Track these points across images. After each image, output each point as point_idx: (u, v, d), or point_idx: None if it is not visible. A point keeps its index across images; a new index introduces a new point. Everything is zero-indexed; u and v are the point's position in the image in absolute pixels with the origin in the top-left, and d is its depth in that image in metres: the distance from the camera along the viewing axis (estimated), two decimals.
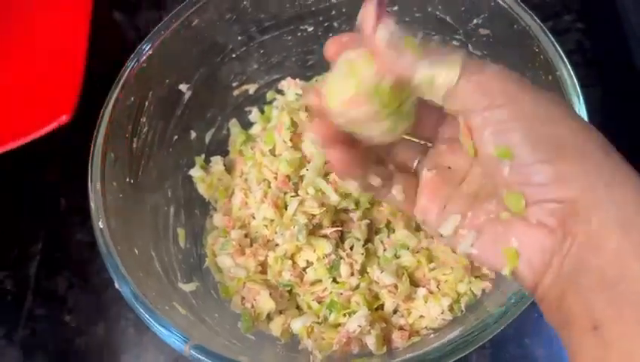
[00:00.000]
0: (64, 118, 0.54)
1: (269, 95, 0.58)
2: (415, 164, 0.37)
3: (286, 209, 0.47)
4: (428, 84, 0.29)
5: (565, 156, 0.27)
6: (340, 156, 0.33)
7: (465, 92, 0.28)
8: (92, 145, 0.44)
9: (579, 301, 0.26)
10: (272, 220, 0.47)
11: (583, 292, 0.26)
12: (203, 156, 0.55)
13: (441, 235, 0.33)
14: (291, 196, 0.48)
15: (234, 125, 0.55)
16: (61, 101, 0.55)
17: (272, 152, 0.51)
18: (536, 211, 0.28)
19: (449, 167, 0.34)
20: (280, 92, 0.58)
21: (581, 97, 0.40)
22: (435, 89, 0.29)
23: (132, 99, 0.47)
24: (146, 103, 0.49)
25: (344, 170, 0.34)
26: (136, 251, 0.43)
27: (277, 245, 0.47)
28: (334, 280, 0.46)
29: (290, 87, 0.57)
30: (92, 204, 0.42)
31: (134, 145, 0.48)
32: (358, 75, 0.29)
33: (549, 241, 0.28)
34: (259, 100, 0.57)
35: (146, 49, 0.48)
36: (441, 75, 0.28)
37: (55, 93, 0.57)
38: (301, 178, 0.49)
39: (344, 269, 0.45)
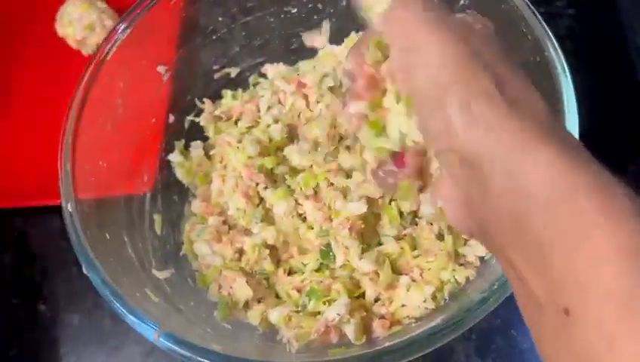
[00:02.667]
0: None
1: (253, 79, 0.56)
2: None
3: (259, 199, 0.46)
4: (367, 14, 0.30)
5: (452, 101, 0.26)
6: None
7: (390, 27, 0.29)
8: (62, 126, 0.42)
9: (495, 248, 0.27)
10: (244, 210, 0.46)
11: (493, 241, 0.26)
12: (183, 141, 0.53)
13: None
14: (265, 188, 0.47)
15: (209, 106, 0.54)
16: None
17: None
18: (443, 162, 0.28)
19: None
20: (263, 76, 0.56)
21: (569, 77, 0.39)
22: (375, 20, 0.30)
23: (106, 79, 0.45)
24: (121, 84, 0.47)
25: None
26: (108, 236, 0.42)
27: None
28: (325, 266, 0.45)
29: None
30: (61, 187, 0.41)
31: (108, 128, 0.46)
32: None
33: (459, 193, 0.28)
34: (241, 84, 0.56)
35: (122, 28, 0.46)
36: (377, 4, 0.29)
37: None
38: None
39: (339, 255, 0.44)
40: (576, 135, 0.38)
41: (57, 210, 0.58)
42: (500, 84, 0.26)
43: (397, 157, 0.31)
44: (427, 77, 0.27)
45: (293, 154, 0.48)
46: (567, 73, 0.40)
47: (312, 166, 0.47)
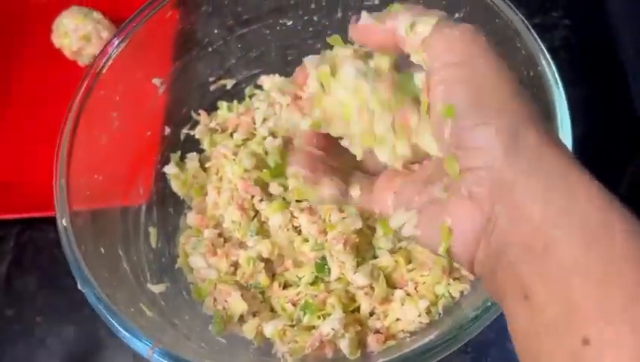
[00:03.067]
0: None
1: (248, 90, 0.56)
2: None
3: (254, 212, 0.46)
4: (407, 32, 0.31)
5: (502, 123, 0.27)
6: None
7: (434, 45, 0.30)
8: (57, 140, 0.42)
9: (509, 273, 0.26)
10: (239, 223, 0.46)
11: (511, 264, 0.26)
12: (179, 153, 0.53)
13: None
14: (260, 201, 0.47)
15: (204, 118, 0.53)
16: None
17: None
18: (467, 179, 0.28)
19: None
20: (259, 87, 0.56)
21: (562, 92, 0.39)
22: (413, 37, 0.30)
23: (102, 92, 0.46)
24: (117, 97, 0.47)
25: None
26: (103, 250, 0.42)
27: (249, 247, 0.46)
28: (320, 280, 0.45)
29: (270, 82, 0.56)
30: (56, 202, 0.41)
31: (104, 141, 0.46)
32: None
33: (478, 216, 0.27)
34: (237, 96, 0.56)
35: (118, 41, 0.46)
36: (419, 24, 0.30)
37: None
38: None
39: (334, 268, 0.44)
40: (570, 146, 0.38)
41: (53, 220, 0.58)
42: (540, 118, 0.28)
43: None
44: (479, 91, 0.28)
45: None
46: (561, 87, 0.40)
47: None
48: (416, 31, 0.30)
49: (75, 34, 0.63)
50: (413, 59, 0.32)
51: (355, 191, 0.37)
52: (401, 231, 0.32)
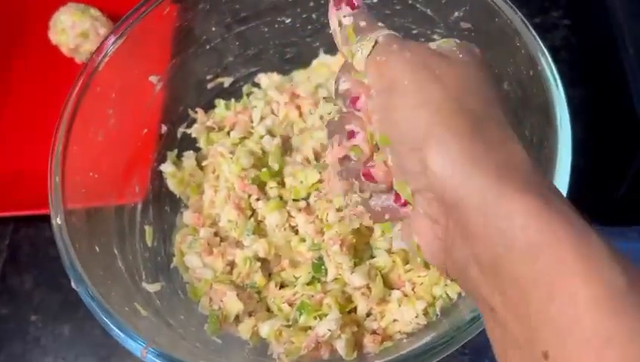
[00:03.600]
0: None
1: (246, 89, 0.56)
2: None
3: (251, 211, 0.46)
4: (351, 60, 0.31)
5: (433, 142, 0.27)
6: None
7: (369, 71, 0.30)
8: (53, 136, 0.42)
9: (472, 286, 0.27)
10: (236, 222, 0.46)
11: (472, 280, 0.26)
12: (175, 151, 0.53)
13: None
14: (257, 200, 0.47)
15: (201, 116, 0.53)
16: None
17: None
18: (418, 201, 0.28)
19: None
20: (257, 86, 0.56)
21: (562, 92, 0.39)
22: (357, 64, 0.30)
23: (98, 89, 0.45)
24: (113, 94, 0.47)
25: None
26: (98, 249, 0.41)
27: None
28: (317, 280, 0.44)
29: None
30: (51, 199, 0.40)
31: (99, 138, 0.45)
32: None
33: (437, 231, 0.28)
34: (234, 94, 0.55)
35: (114, 38, 0.46)
36: (357, 52, 0.30)
37: None
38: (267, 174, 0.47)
39: (331, 268, 0.43)
40: (569, 147, 0.38)
41: (49, 218, 0.58)
42: (479, 128, 0.27)
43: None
44: (404, 117, 0.28)
45: (287, 167, 0.48)
46: (560, 87, 0.39)
47: (301, 182, 0.47)
48: (355, 60, 0.30)
49: (73, 31, 0.62)
50: None
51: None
52: (394, 244, 0.34)
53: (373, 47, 0.30)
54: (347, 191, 0.33)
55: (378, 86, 0.29)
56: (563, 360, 0.22)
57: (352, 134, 0.31)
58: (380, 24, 0.31)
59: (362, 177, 0.31)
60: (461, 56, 0.30)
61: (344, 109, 0.32)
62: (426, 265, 0.42)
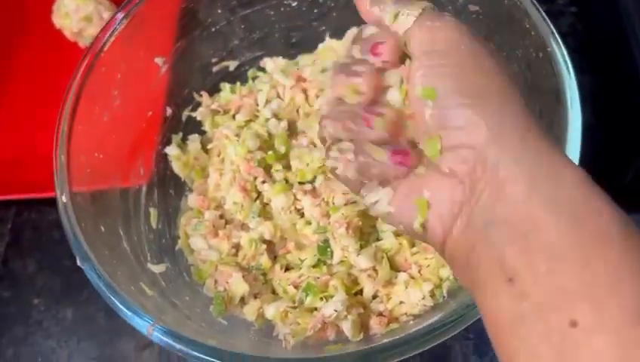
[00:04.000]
0: None
1: (251, 73, 0.55)
2: None
3: (257, 194, 0.46)
4: (391, 22, 0.31)
5: (485, 104, 0.27)
6: None
7: (416, 35, 0.30)
8: (58, 116, 0.42)
9: (490, 253, 0.26)
10: (242, 205, 0.45)
11: (493, 244, 0.25)
12: (180, 134, 0.52)
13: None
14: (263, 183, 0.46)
15: (206, 99, 0.53)
16: None
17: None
18: (449, 157, 0.28)
19: None
20: (262, 70, 0.56)
21: (572, 73, 0.38)
22: (398, 26, 0.31)
23: (103, 69, 0.45)
24: (119, 76, 0.46)
25: None
26: (103, 229, 0.41)
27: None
28: (322, 262, 0.44)
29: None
30: (56, 178, 0.40)
31: (104, 119, 0.45)
32: None
33: (458, 191, 0.27)
34: (239, 78, 0.55)
35: (120, 18, 0.46)
36: (402, 15, 0.30)
37: None
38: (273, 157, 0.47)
39: (337, 251, 0.43)
40: (579, 130, 0.38)
41: (52, 202, 0.58)
42: (526, 105, 0.28)
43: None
44: (459, 74, 0.28)
45: (293, 150, 0.48)
46: (571, 69, 0.39)
47: (307, 164, 0.46)
48: (398, 22, 0.31)
49: (76, 15, 0.62)
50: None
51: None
52: (373, 209, 0.31)
53: (421, 12, 0.30)
54: (334, 137, 0.32)
55: (428, 47, 0.29)
56: (591, 326, 0.22)
57: (355, 74, 0.31)
58: None
59: (362, 120, 0.31)
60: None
61: (358, 56, 0.32)
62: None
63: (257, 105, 0.52)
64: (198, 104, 0.53)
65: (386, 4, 0.31)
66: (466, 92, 0.28)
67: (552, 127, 0.39)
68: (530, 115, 0.28)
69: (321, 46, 0.54)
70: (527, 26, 0.41)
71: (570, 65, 0.39)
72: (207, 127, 0.52)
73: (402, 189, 0.30)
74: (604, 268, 0.23)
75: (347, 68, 0.32)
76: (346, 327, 0.39)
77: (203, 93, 0.53)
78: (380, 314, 0.41)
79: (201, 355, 0.34)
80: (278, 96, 0.52)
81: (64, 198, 0.39)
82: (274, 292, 0.45)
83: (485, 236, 0.26)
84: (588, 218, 0.24)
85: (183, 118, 0.53)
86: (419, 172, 0.30)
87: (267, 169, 0.47)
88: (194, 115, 0.53)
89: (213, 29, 0.52)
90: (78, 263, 0.38)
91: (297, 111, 0.52)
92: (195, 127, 0.53)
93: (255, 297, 0.44)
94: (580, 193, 0.25)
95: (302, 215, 0.46)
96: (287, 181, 0.47)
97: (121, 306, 0.36)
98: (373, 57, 0.32)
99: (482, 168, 0.26)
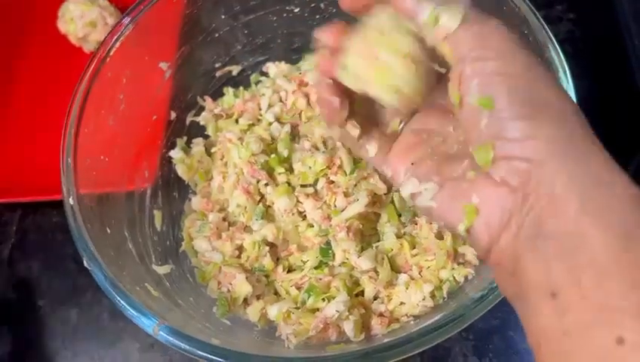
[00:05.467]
0: None
1: (254, 77, 0.56)
2: (401, 126, 0.37)
3: (260, 196, 0.47)
4: (431, 25, 0.29)
5: (544, 118, 0.27)
6: (333, 105, 0.35)
7: (463, 40, 0.29)
8: (65, 120, 0.43)
9: (537, 266, 0.26)
10: (245, 207, 0.46)
11: (541, 257, 0.25)
12: (185, 138, 0.53)
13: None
14: (266, 185, 0.47)
15: (209, 104, 0.54)
16: None
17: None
18: (502, 167, 0.28)
19: (432, 130, 0.35)
20: (265, 74, 0.56)
21: (570, 79, 0.39)
22: (437, 30, 0.29)
23: (109, 74, 0.46)
24: (124, 80, 0.47)
25: (334, 116, 0.36)
26: (109, 230, 0.42)
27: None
28: (324, 264, 0.45)
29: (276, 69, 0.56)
30: (63, 180, 0.41)
31: (110, 123, 0.46)
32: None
33: (509, 201, 0.27)
34: (242, 82, 0.56)
35: (126, 23, 0.46)
36: (443, 18, 0.29)
37: None
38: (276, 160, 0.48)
39: (338, 253, 0.44)
40: None
41: (56, 205, 0.58)
42: (581, 115, 0.28)
43: None
44: (518, 85, 0.28)
45: (295, 153, 0.49)
46: (569, 75, 0.40)
47: (310, 167, 0.47)
48: (441, 24, 0.29)
49: (81, 20, 0.63)
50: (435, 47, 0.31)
51: (371, 147, 0.36)
52: (415, 200, 0.31)
53: (464, 16, 0.29)
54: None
55: (478, 53, 0.28)
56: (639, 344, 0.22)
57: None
58: None
59: None
60: None
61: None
62: (440, 236, 0.42)
63: (260, 109, 0.53)
64: (202, 108, 0.54)
65: (422, 6, 0.30)
66: (526, 103, 0.27)
67: None
68: (589, 129, 0.27)
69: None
70: (526, 32, 0.42)
71: (567, 71, 0.40)
72: (210, 131, 0.53)
73: (449, 189, 0.31)
74: None
75: None
76: (348, 328, 0.40)
77: (206, 97, 0.54)
78: (381, 315, 0.42)
79: (206, 354, 0.35)
80: (281, 101, 0.53)
81: (71, 201, 0.40)
82: (276, 293, 0.45)
83: (533, 249, 0.26)
84: (638, 238, 0.24)
85: (187, 122, 0.54)
86: (469, 176, 0.30)
87: (270, 172, 0.48)
88: (198, 119, 0.54)
89: (216, 35, 0.53)
90: (85, 264, 0.38)
91: (299, 115, 0.52)
92: (198, 130, 0.54)
93: (258, 298, 0.44)
94: (632, 212, 0.25)
95: (304, 217, 0.47)
96: (289, 184, 0.48)
97: (127, 306, 0.36)
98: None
99: (537, 182, 0.26)
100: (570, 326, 0.24)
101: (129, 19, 0.47)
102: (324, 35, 0.35)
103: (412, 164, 0.34)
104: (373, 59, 0.31)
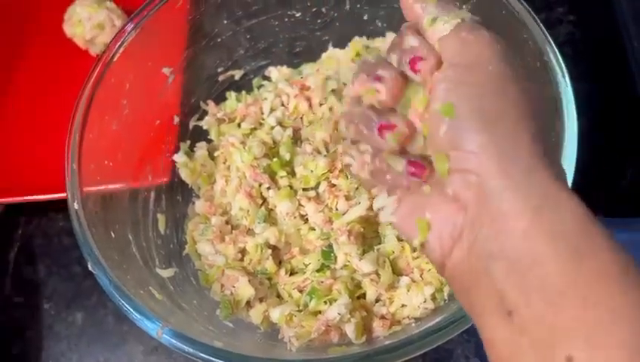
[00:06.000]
0: None
1: (256, 82, 0.57)
2: None
3: (262, 200, 0.47)
4: (430, 25, 0.30)
5: (500, 133, 0.27)
6: None
7: (449, 45, 0.29)
8: (70, 124, 0.43)
9: (491, 285, 0.26)
10: (247, 210, 0.47)
11: (493, 277, 0.26)
12: (188, 143, 0.54)
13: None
14: (268, 189, 0.47)
15: (212, 108, 0.54)
16: None
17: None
18: (456, 180, 0.28)
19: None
20: (267, 78, 0.57)
21: (569, 82, 0.39)
22: (434, 31, 0.30)
23: (113, 80, 0.46)
24: (127, 86, 0.48)
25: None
26: (113, 234, 0.42)
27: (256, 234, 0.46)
28: (326, 267, 0.45)
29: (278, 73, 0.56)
30: (68, 185, 0.41)
31: (114, 127, 0.46)
32: None
33: (459, 217, 0.27)
34: (245, 87, 0.56)
35: (129, 29, 0.47)
36: (439, 22, 0.30)
37: None
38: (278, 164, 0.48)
39: (340, 256, 0.44)
40: (576, 137, 0.38)
41: (61, 209, 0.59)
42: (539, 134, 0.28)
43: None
44: (481, 97, 0.27)
45: (297, 157, 0.49)
46: (567, 79, 0.40)
47: (311, 171, 0.47)
48: (435, 27, 0.30)
49: (89, 22, 0.63)
50: None
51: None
52: (380, 214, 0.32)
53: (459, 22, 0.30)
54: (351, 138, 0.33)
55: (456, 59, 0.29)
56: None
57: (378, 78, 0.30)
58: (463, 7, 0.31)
59: (375, 130, 0.30)
60: None
61: (393, 62, 0.31)
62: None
63: (262, 113, 0.53)
64: (205, 113, 0.54)
65: (428, 3, 0.31)
66: (485, 116, 0.27)
67: (549, 134, 0.40)
68: (541, 144, 0.27)
69: (324, 55, 0.56)
70: (525, 35, 0.42)
71: (566, 74, 0.40)
72: (213, 135, 0.53)
73: (407, 204, 0.31)
74: (603, 308, 0.23)
75: (371, 68, 0.31)
76: (349, 330, 0.40)
77: (209, 101, 0.54)
78: (383, 317, 0.42)
79: (209, 357, 0.35)
80: (283, 105, 0.54)
81: (76, 205, 0.40)
82: (279, 296, 0.46)
83: (486, 268, 0.26)
84: (589, 255, 0.24)
85: (191, 127, 0.54)
86: (425, 190, 0.30)
87: (272, 175, 0.49)
88: (201, 123, 0.54)
89: (219, 40, 0.54)
90: (89, 267, 0.39)
91: (301, 118, 0.53)
92: (202, 134, 0.54)
93: (261, 301, 0.45)
94: (582, 229, 0.25)
95: (306, 221, 0.47)
96: (291, 187, 0.48)
97: (131, 309, 0.37)
98: (410, 71, 0.30)
99: (486, 198, 0.26)
100: (525, 347, 0.24)
101: (132, 24, 0.47)
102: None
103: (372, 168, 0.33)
104: None
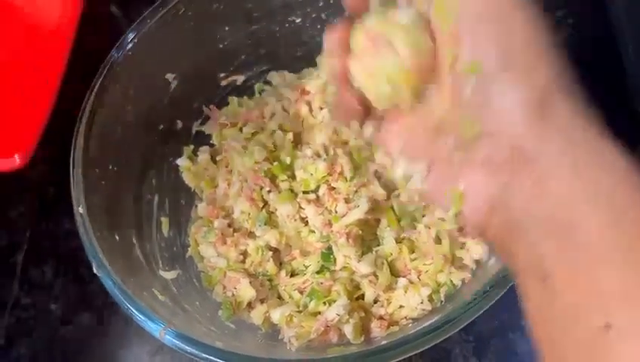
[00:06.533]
0: (17, 161, 0.52)
1: (258, 86, 0.58)
2: None
3: (263, 203, 0.48)
4: None
5: (534, 85, 0.25)
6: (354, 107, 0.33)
7: None
8: (75, 131, 0.44)
9: (528, 250, 0.25)
10: (249, 213, 0.47)
11: (531, 242, 0.25)
12: (192, 147, 0.55)
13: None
14: (269, 192, 0.48)
15: (214, 113, 0.55)
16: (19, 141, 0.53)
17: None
18: (486, 144, 0.26)
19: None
20: (269, 83, 0.58)
21: None
22: None
23: (117, 86, 0.47)
24: (131, 92, 0.49)
25: (353, 117, 0.33)
26: (117, 237, 0.43)
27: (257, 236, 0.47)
28: (326, 268, 0.46)
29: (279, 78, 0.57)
30: (73, 190, 0.42)
31: (118, 132, 0.48)
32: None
33: (493, 185, 0.26)
34: (246, 91, 0.57)
35: (132, 37, 0.48)
36: None
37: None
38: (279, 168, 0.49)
39: (339, 258, 0.45)
40: None
41: (69, 211, 0.60)
42: (572, 84, 0.26)
43: None
44: (510, 49, 0.25)
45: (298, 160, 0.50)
46: None
47: (311, 174, 0.48)
48: None
49: None
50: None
51: (367, 129, 0.34)
52: (407, 183, 0.31)
53: None
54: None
55: (479, 10, 0.26)
56: (626, 330, 0.21)
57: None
58: None
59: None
60: None
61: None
62: (438, 240, 0.43)
63: (264, 117, 0.54)
64: (207, 117, 0.55)
65: None
66: (515, 71, 0.25)
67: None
68: (580, 98, 0.26)
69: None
70: None
71: None
72: (215, 139, 0.54)
73: (437, 172, 0.29)
74: None
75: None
76: (348, 330, 0.41)
77: (212, 106, 0.55)
78: (381, 318, 0.43)
79: (211, 357, 0.36)
80: (284, 109, 0.55)
81: (81, 209, 0.41)
82: (280, 297, 0.47)
83: (524, 231, 0.25)
84: (629, 215, 0.23)
85: (193, 131, 0.55)
86: (456, 157, 0.28)
87: (273, 179, 0.49)
88: (203, 128, 0.55)
89: (221, 45, 0.55)
90: (94, 270, 0.40)
91: (302, 122, 0.54)
92: (204, 139, 0.55)
93: (262, 302, 0.46)
94: (624, 187, 0.24)
95: (306, 223, 0.48)
96: (292, 190, 0.49)
97: (134, 311, 0.38)
98: None
99: (520, 160, 0.25)
100: (558, 311, 0.23)
101: (135, 32, 0.48)
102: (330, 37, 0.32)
103: (404, 140, 0.32)
104: (367, 69, 0.31)
